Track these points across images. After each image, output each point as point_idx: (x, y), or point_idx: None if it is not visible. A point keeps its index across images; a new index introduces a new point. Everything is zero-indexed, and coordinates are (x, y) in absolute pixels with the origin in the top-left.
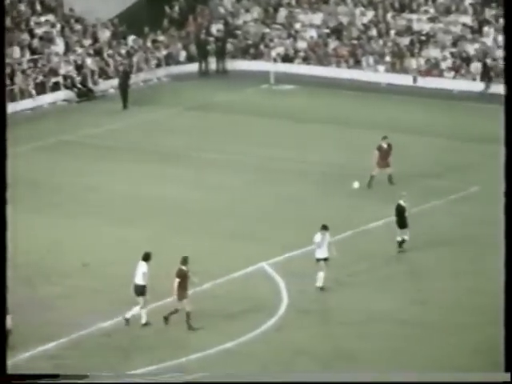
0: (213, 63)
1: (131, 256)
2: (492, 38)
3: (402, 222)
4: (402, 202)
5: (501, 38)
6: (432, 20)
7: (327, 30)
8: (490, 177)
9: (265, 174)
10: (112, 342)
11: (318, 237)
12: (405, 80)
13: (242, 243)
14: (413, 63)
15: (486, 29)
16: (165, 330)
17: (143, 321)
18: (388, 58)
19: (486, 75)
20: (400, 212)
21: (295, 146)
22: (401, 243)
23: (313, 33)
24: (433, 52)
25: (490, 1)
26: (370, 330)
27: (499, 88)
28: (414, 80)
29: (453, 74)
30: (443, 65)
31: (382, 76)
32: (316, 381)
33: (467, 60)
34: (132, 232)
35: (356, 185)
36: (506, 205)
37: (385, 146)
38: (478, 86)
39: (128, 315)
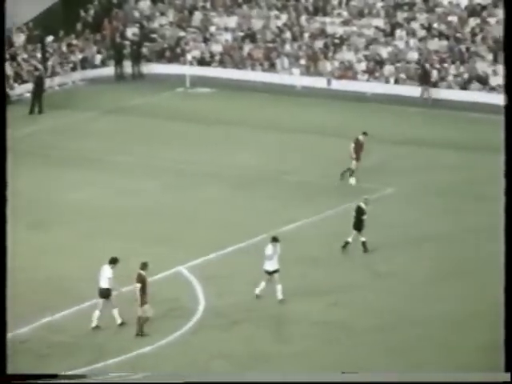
0: (128, 67)
1: (48, 261)
2: (404, 40)
3: (358, 224)
4: (362, 205)
5: (413, 41)
6: (345, 23)
7: (242, 33)
8: (405, 178)
9: (181, 178)
10: (28, 349)
11: (269, 249)
12: (319, 83)
13: (158, 247)
14: (327, 66)
15: (398, 32)
16: (82, 335)
17: (118, 321)
18: (302, 61)
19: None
20: (359, 214)
21: (211, 149)
22: (363, 244)
23: (228, 36)
24: (346, 55)
25: (401, 4)
26: (287, 331)
27: (414, 90)
28: (329, 82)
29: (366, 76)
30: (357, 67)
31: (296, 79)
32: (232, 381)
33: (380, 63)
34: (49, 237)
35: (352, 181)
36: (507, 206)
37: (361, 139)
38: (392, 88)
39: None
